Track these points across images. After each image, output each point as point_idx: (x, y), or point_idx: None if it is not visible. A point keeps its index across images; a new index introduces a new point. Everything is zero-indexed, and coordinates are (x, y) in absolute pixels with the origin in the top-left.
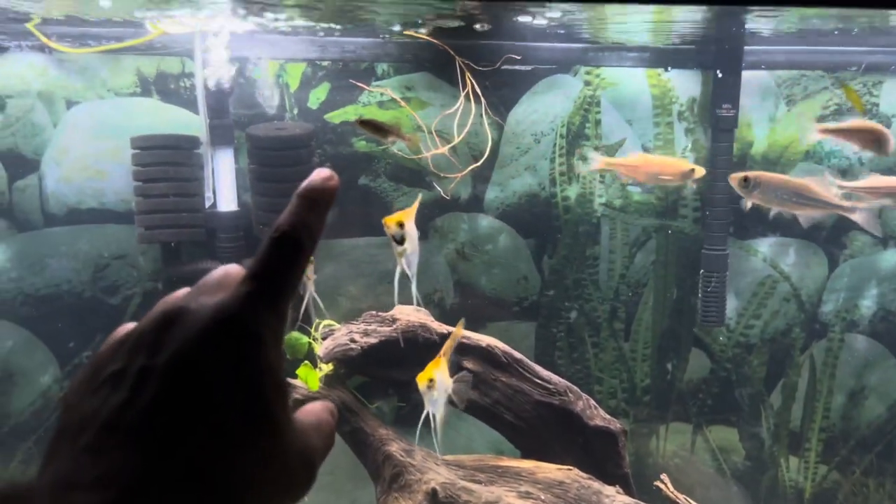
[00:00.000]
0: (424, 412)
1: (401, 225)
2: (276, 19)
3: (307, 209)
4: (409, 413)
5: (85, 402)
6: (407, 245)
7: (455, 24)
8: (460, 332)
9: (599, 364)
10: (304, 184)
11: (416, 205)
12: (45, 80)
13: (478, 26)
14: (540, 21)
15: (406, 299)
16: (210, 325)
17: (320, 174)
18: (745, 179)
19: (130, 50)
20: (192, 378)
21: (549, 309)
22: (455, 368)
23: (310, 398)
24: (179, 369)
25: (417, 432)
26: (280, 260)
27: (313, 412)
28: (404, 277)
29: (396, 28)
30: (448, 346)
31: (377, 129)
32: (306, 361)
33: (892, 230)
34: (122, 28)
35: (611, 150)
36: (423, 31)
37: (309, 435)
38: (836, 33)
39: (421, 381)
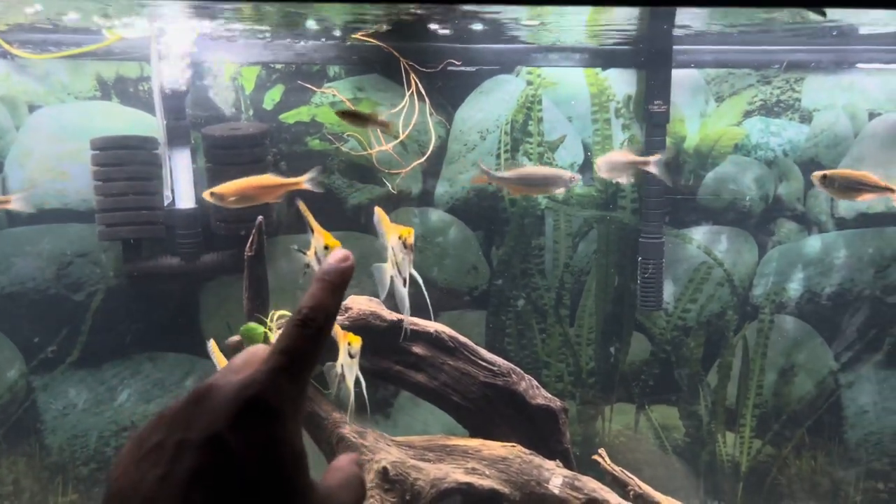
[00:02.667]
0: (340, 368)
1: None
2: (229, 28)
3: (326, 292)
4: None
5: (128, 474)
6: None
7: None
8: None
9: (546, 349)
10: (323, 267)
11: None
12: (8, 86)
13: (433, 26)
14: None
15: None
16: (236, 401)
17: (336, 256)
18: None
19: (90, 55)
20: (223, 451)
21: (499, 297)
22: (393, 352)
23: None
24: (211, 443)
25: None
26: (301, 341)
27: (340, 468)
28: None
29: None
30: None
31: (357, 117)
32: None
33: (815, 217)
34: (81, 35)
35: (552, 146)
36: (371, 32)
37: (336, 494)
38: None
39: (354, 341)
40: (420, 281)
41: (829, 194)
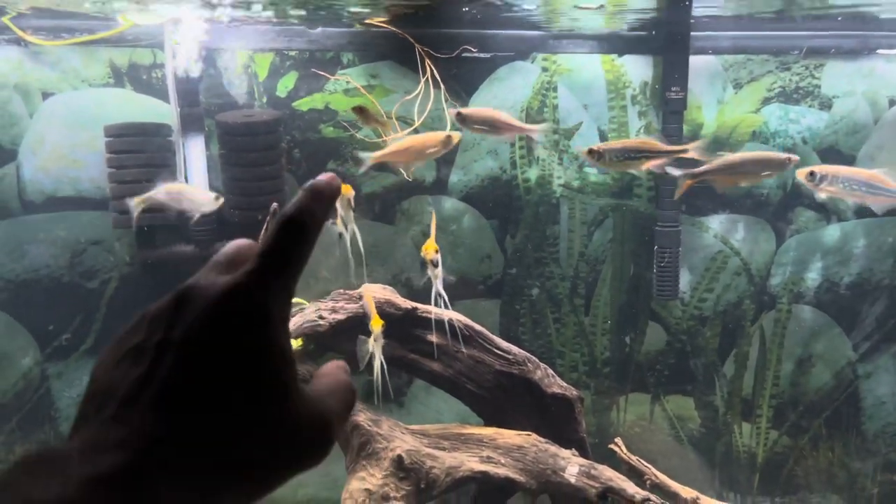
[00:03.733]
0: (369, 356)
1: (436, 251)
2: (246, 10)
3: (311, 199)
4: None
5: (109, 374)
6: (440, 269)
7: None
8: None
9: (561, 338)
10: (310, 182)
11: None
12: (21, 73)
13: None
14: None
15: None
16: (221, 300)
17: (325, 175)
18: (811, 173)
19: (103, 42)
20: (205, 350)
21: (513, 286)
22: (408, 340)
23: None
24: (193, 342)
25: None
26: (287, 241)
27: (329, 374)
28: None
29: (359, 13)
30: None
31: (368, 115)
32: None
33: (833, 205)
34: (94, 21)
35: (568, 134)
36: (384, 18)
37: (324, 399)
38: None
39: (376, 325)
40: (446, 300)
41: (603, 168)
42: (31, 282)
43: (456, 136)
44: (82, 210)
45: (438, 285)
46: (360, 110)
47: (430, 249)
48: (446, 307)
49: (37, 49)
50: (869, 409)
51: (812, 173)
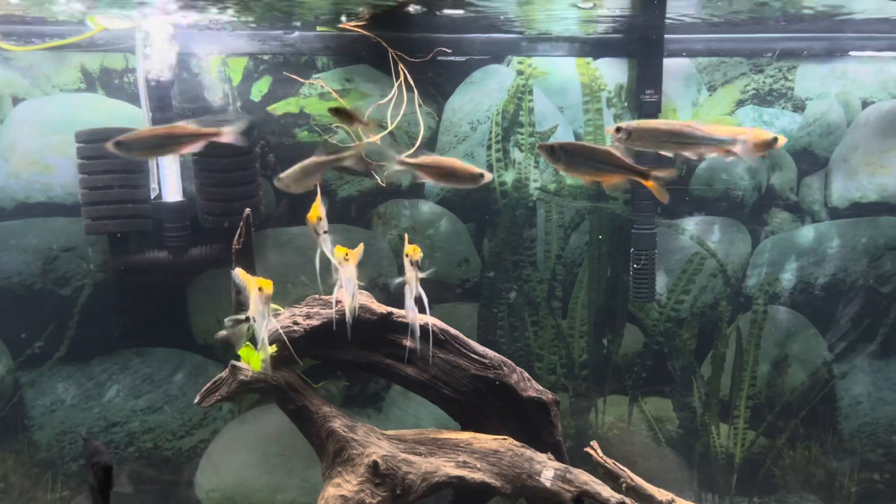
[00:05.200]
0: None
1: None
2: (217, 15)
3: None
4: (357, 393)
5: None
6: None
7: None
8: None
9: (539, 341)
10: None
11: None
12: None
13: (412, 9)
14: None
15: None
16: None
17: None
18: (618, 129)
19: (74, 47)
20: None
21: (490, 290)
22: (383, 345)
23: (255, 380)
24: None
25: None
26: None
27: None
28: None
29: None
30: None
31: (347, 115)
32: (248, 343)
33: (808, 206)
34: (65, 26)
35: (544, 137)
36: (359, 22)
37: None
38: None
39: (339, 252)
40: (426, 301)
41: None
42: (2, 289)
43: (489, 176)
44: (54, 216)
45: (419, 287)
46: (337, 111)
47: (417, 249)
48: (425, 310)
49: (7, 54)
50: (845, 409)
51: (619, 129)
